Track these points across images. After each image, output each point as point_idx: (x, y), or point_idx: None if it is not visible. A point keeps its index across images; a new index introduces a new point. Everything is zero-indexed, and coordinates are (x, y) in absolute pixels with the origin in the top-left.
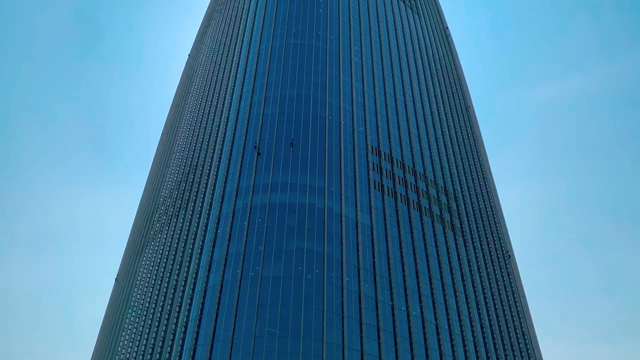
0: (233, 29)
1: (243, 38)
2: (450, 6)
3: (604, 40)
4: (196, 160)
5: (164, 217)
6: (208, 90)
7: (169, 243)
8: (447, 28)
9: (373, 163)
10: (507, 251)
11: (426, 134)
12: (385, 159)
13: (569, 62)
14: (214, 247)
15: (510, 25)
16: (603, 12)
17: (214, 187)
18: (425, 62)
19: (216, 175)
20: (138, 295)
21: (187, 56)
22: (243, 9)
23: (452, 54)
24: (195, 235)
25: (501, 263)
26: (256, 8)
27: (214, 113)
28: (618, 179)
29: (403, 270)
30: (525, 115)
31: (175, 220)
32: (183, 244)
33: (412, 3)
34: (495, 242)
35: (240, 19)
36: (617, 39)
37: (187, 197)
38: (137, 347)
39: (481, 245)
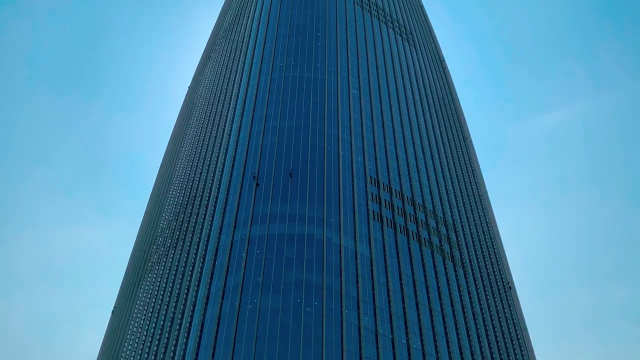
0: (233, 62)
1: (243, 70)
2: (446, 39)
3: (599, 71)
4: (195, 191)
5: (162, 249)
6: (207, 122)
7: (167, 275)
8: (443, 60)
9: (372, 193)
10: (508, 282)
11: (424, 164)
12: (384, 190)
13: (563, 93)
14: (211, 278)
15: (504, 56)
16: (599, 43)
17: (212, 218)
18: (422, 94)
19: (214, 206)
20: (135, 328)
21: (187, 88)
22: (243, 42)
23: (449, 86)
24: (193, 266)
25: (502, 294)
26: (256, 41)
27: (213, 144)
28: (616, 209)
29: (403, 302)
30: (522, 146)
31: (173, 251)
32: (181, 276)
33: (409, 37)
34: (496, 273)
35: (240, 52)
36: (613, 69)
37: (185, 229)
38: None
39: (481, 276)
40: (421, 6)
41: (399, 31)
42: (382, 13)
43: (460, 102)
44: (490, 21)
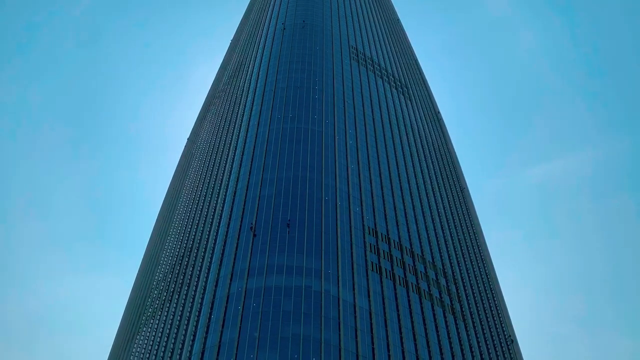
0: (231, 114)
1: (241, 122)
2: (441, 91)
3: (593, 121)
4: (191, 243)
5: (157, 302)
6: (205, 173)
7: (161, 329)
8: (438, 112)
9: (370, 244)
10: (510, 335)
11: (422, 214)
12: (382, 240)
13: (558, 143)
14: (207, 333)
15: (500, 107)
16: (595, 93)
17: (209, 270)
18: (419, 145)
19: (211, 258)
20: None
21: (186, 140)
22: (242, 96)
23: (445, 137)
24: (189, 320)
25: (504, 348)
26: (254, 94)
27: (211, 196)
28: (613, 260)
29: (403, 357)
30: (519, 196)
31: (168, 305)
32: (175, 330)
33: (404, 89)
34: (497, 326)
35: (239, 105)
36: (606, 120)
37: (180, 281)
38: None
39: (482, 329)
40: (415, 60)
41: (394, 84)
42: (378, 67)
43: (457, 153)
44: (485, 73)
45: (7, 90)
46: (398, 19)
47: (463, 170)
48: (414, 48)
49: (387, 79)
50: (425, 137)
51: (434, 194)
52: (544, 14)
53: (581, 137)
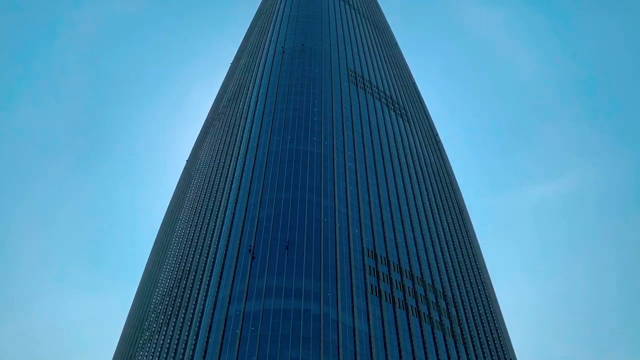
0: (231, 136)
1: (240, 144)
2: (439, 113)
3: (591, 140)
4: (189, 265)
5: (154, 325)
6: (204, 195)
7: (158, 353)
8: (437, 134)
9: (369, 266)
10: (510, 358)
11: (422, 236)
12: (382, 263)
13: (553, 164)
14: (204, 357)
15: (498, 128)
16: (593, 112)
17: (207, 292)
18: (417, 167)
19: (209, 280)
20: None
21: (185, 162)
22: (241, 117)
23: (443, 159)
24: (186, 344)
25: None
26: (254, 117)
27: (209, 217)
28: (615, 280)
29: None
30: (517, 217)
31: (165, 328)
32: (173, 354)
33: (402, 112)
34: (497, 348)
35: (238, 127)
36: (605, 138)
37: (178, 304)
38: None
39: (483, 352)
40: (413, 83)
41: (392, 107)
42: (377, 90)
43: (455, 175)
44: (483, 94)
45: (14, 111)
46: (396, 43)
47: (462, 191)
48: (411, 71)
49: (385, 102)
50: (424, 159)
51: (433, 216)
52: (541, 34)
53: (579, 156)
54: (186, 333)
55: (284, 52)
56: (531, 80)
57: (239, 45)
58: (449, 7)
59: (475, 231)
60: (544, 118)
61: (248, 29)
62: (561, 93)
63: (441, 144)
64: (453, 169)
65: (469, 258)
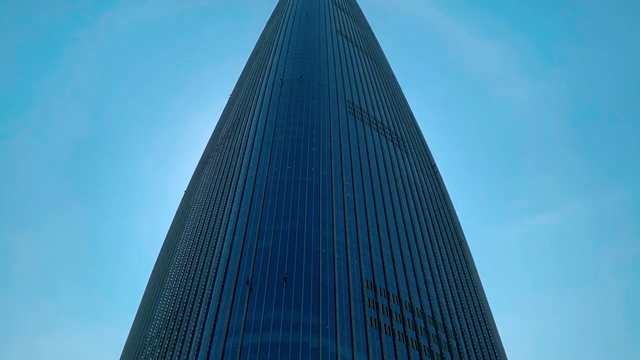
0: (229, 166)
1: (239, 174)
2: (436, 144)
3: (587, 172)
4: (187, 297)
5: (151, 358)
6: (202, 226)
7: None
8: (434, 165)
9: (369, 298)
10: None
11: (421, 267)
12: (381, 294)
13: (550, 197)
14: None
15: (494, 160)
16: (587, 146)
17: (204, 325)
18: (416, 197)
19: (206, 313)
20: None
21: (184, 193)
22: (240, 148)
23: (442, 189)
24: None
25: None
26: (252, 147)
27: (207, 248)
28: (608, 310)
29: None
30: (514, 248)
31: None
32: None
33: (400, 143)
34: None
35: (237, 158)
36: (599, 171)
37: (175, 337)
38: None
39: None
40: (411, 114)
41: (390, 137)
42: (374, 121)
43: (454, 206)
44: (479, 126)
45: (15, 139)
46: (393, 75)
47: (461, 222)
48: (409, 102)
49: (383, 132)
50: (422, 189)
51: (432, 246)
52: (535, 68)
53: (576, 187)
54: None
55: (282, 83)
56: (524, 113)
57: (238, 77)
58: (445, 39)
59: (475, 262)
60: (541, 148)
61: (248, 61)
62: (555, 126)
63: (439, 174)
64: (451, 199)
65: (469, 289)
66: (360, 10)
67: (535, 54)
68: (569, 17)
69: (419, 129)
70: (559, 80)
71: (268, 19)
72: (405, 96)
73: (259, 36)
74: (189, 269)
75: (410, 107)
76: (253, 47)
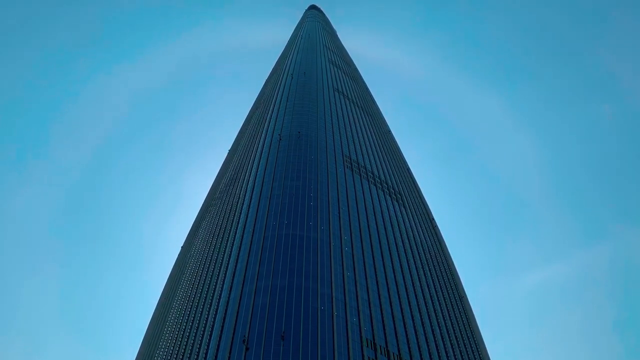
0: (227, 221)
1: (236, 229)
2: (434, 198)
3: (581, 229)
4: (181, 356)
5: None
6: (198, 282)
7: None
8: (433, 219)
9: (369, 357)
10: None
11: (422, 324)
12: (381, 353)
13: (548, 250)
14: None
15: (491, 214)
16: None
17: None
18: (415, 252)
19: None
20: None
21: (180, 248)
22: (238, 203)
23: (441, 244)
24: None
25: None
26: (250, 202)
27: (203, 305)
28: None
29: None
30: (514, 303)
31: None
32: None
33: (397, 197)
34: None
35: (234, 213)
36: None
37: None
38: None
39: None
40: (408, 169)
41: (387, 191)
42: (371, 175)
43: (454, 260)
44: (476, 180)
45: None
46: (389, 130)
47: (461, 277)
48: (405, 156)
49: (380, 186)
50: (422, 244)
51: (432, 302)
52: (534, 119)
53: (572, 242)
54: None
55: (280, 139)
56: (525, 164)
57: (236, 134)
58: (440, 92)
59: (476, 318)
60: (538, 201)
61: (246, 117)
62: (555, 177)
63: (437, 228)
64: (451, 254)
65: (471, 347)
66: (356, 68)
67: (535, 104)
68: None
69: (417, 183)
70: (558, 132)
71: (266, 77)
72: (401, 150)
73: (257, 94)
74: (184, 327)
75: (407, 160)
76: (251, 104)
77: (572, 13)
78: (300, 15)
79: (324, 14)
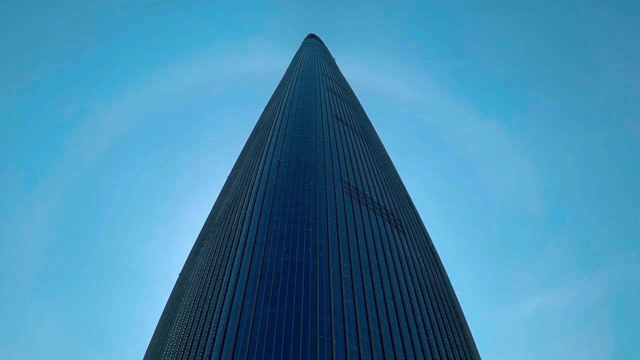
0: (225, 248)
1: (234, 257)
2: (434, 225)
3: (580, 255)
4: None
5: None
6: (196, 311)
7: None
8: (432, 246)
9: None
10: None
11: (422, 353)
12: None
13: (547, 277)
14: None
15: (491, 241)
16: (581, 226)
17: None
18: (415, 279)
19: None
20: None
21: (178, 275)
22: (236, 230)
23: (441, 271)
24: None
25: None
26: (248, 229)
27: (200, 334)
28: None
29: None
30: (514, 329)
31: None
32: None
33: (397, 223)
34: None
35: (233, 240)
36: (592, 253)
37: None
38: None
39: None
40: (407, 195)
41: (387, 218)
42: (370, 202)
43: (454, 288)
44: (475, 206)
45: (17, 221)
46: (388, 157)
47: (462, 305)
48: (404, 183)
49: (380, 213)
50: (422, 271)
51: (433, 330)
52: (531, 143)
53: (571, 268)
54: None
55: (279, 165)
56: (524, 190)
57: (235, 161)
58: (439, 119)
59: (477, 347)
60: (537, 228)
61: (245, 144)
62: (555, 203)
63: (437, 255)
64: (451, 282)
65: None
66: (354, 95)
67: (533, 132)
68: (568, 97)
69: (416, 209)
70: (558, 157)
71: (266, 104)
72: (401, 177)
73: (256, 121)
74: (181, 357)
75: (406, 187)
76: (250, 131)
77: (570, 39)
78: (300, 44)
79: (322, 43)
